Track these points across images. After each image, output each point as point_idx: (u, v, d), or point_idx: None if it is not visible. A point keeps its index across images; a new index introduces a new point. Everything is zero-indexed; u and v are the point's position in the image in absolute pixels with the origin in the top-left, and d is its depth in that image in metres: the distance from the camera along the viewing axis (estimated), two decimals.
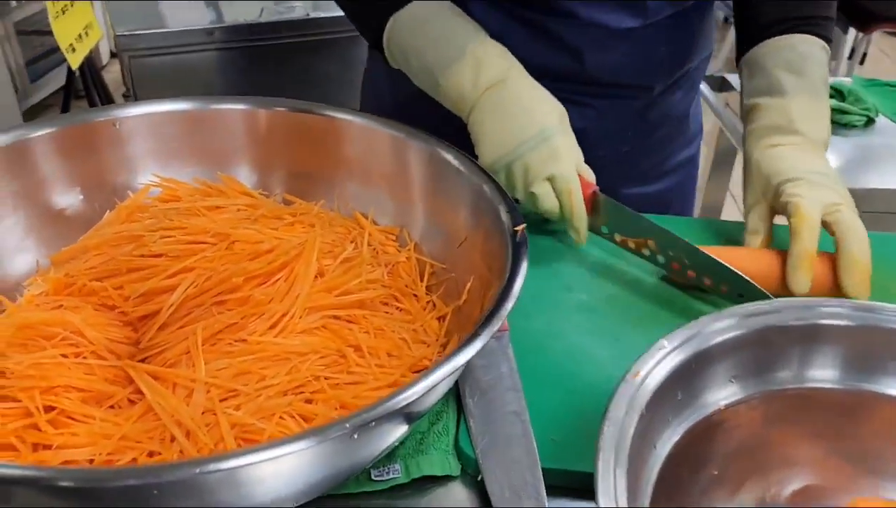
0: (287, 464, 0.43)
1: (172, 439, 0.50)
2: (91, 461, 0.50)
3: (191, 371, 0.54)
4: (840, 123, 1.60)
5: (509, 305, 0.51)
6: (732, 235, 0.82)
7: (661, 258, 0.74)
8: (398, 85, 0.92)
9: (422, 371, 0.59)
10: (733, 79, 1.79)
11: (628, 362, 0.64)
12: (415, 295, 0.67)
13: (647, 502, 0.45)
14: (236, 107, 0.76)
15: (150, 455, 0.50)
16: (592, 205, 0.75)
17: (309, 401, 0.54)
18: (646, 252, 0.75)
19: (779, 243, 0.75)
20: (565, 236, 0.78)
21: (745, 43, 0.83)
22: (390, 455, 0.55)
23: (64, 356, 0.55)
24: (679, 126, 0.99)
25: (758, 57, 0.80)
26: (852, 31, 2.75)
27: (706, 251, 0.70)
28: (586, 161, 0.75)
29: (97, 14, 2.31)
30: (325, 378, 0.56)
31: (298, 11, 1.89)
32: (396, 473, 0.55)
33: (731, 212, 2.62)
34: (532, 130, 0.72)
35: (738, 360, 0.51)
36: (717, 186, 1.90)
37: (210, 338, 0.57)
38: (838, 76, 2.52)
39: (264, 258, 0.61)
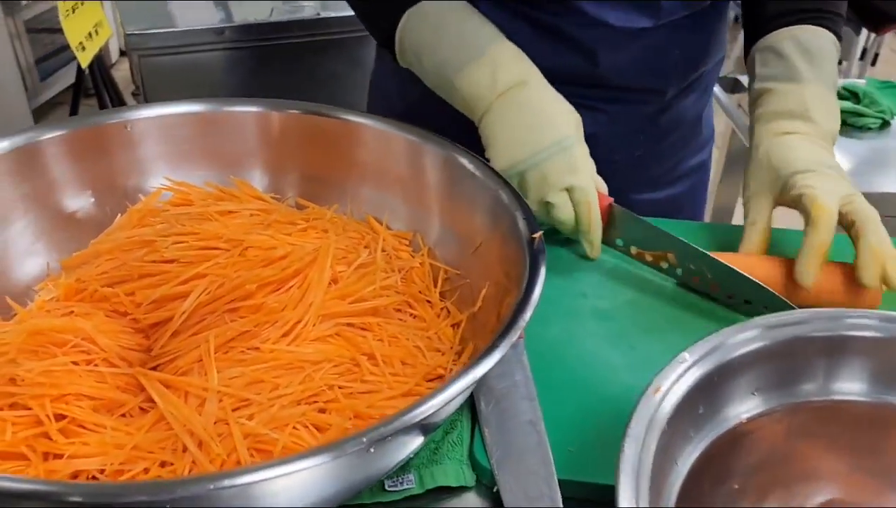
0: (301, 478, 0.42)
1: (184, 449, 0.49)
2: (102, 471, 0.49)
3: (203, 380, 0.53)
4: (855, 126, 1.59)
5: (527, 315, 0.51)
6: None
7: (680, 271, 0.72)
8: (406, 87, 0.91)
9: (436, 380, 0.59)
10: (746, 80, 1.78)
11: (644, 370, 0.63)
12: (428, 301, 0.67)
13: None
14: (249, 109, 0.75)
15: (162, 465, 0.49)
16: (608, 218, 0.74)
17: (323, 411, 0.53)
18: (664, 265, 0.73)
19: (785, 249, 0.73)
20: (577, 247, 0.77)
21: (755, 33, 0.81)
22: (404, 465, 0.55)
23: (75, 363, 0.54)
24: (691, 131, 0.97)
25: (773, 43, 0.78)
26: (864, 32, 2.73)
27: (724, 260, 0.69)
28: (596, 167, 0.74)
29: (107, 12, 2.31)
30: (339, 387, 0.55)
31: (308, 11, 1.88)
32: (410, 483, 0.54)
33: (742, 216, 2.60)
34: (551, 137, 0.70)
35: (761, 372, 0.50)
36: (729, 190, 1.88)
37: (223, 346, 0.56)
38: (850, 77, 2.51)
39: (278, 265, 0.60)
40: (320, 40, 1.88)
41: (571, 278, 0.74)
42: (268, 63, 1.87)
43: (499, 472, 0.54)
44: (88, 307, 0.60)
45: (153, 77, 1.79)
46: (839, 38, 0.79)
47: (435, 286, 0.68)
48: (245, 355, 0.56)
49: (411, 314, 0.65)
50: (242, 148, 0.76)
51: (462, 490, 0.55)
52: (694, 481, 0.47)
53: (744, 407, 0.50)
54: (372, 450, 0.42)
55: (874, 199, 0.73)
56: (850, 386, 0.51)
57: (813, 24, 0.77)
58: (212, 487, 0.37)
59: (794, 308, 0.65)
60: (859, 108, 1.60)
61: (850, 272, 0.67)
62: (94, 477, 0.49)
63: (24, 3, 2.83)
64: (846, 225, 0.68)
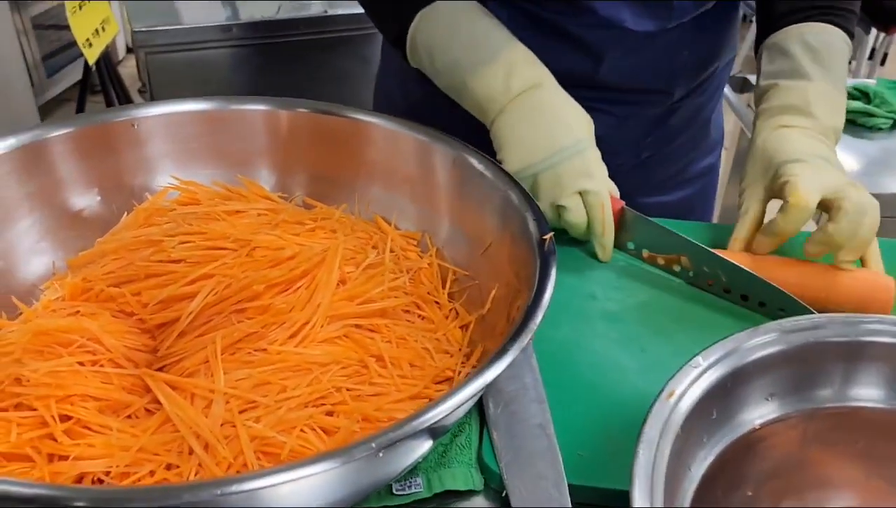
0: (309, 483, 0.41)
1: (191, 451, 0.49)
2: (107, 473, 0.48)
3: (210, 381, 0.53)
4: (865, 126, 1.57)
5: (538, 318, 0.50)
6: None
7: (693, 274, 0.72)
8: (409, 87, 0.91)
9: (444, 382, 0.58)
10: (755, 79, 1.77)
11: (655, 373, 0.62)
12: (437, 303, 0.66)
13: None
14: (257, 108, 0.74)
15: (168, 467, 0.49)
16: (619, 221, 0.73)
17: (330, 413, 0.53)
18: (676, 268, 0.73)
19: (798, 251, 0.72)
20: (587, 248, 0.76)
21: (766, 30, 0.81)
22: (412, 469, 0.54)
23: (81, 363, 0.54)
24: (700, 133, 0.96)
25: (780, 40, 0.78)
26: (874, 32, 2.71)
27: (738, 262, 0.68)
28: None
29: (114, 9, 2.31)
30: (347, 390, 0.54)
31: (315, 8, 1.87)
32: (418, 487, 0.54)
33: None
34: (565, 140, 0.70)
35: (776, 377, 0.49)
36: (737, 190, 1.87)
37: (229, 347, 0.55)
38: (859, 77, 2.49)
39: (286, 265, 0.60)
40: (327, 38, 1.88)
41: (581, 279, 0.74)
42: (275, 60, 1.86)
43: (507, 476, 0.53)
44: (94, 307, 0.59)
45: (160, 74, 1.79)
46: (851, 34, 0.79)
47: (443, 287, 0.67)
48: (252, 356, 0.55)
49: (419, 316, 0.64)
50: (250, 147, 0.75)
51: (470, 493, 0.55)
52: (707, 487, 0.46)
53: (758, 413, 0.49)
54: (381, 455, 0.41)
55: (885, 200, 0.73)
56: (868, 392, 0.50)
57: (823, 22, 0.77)
58: (219, 493, 0.37)
59: (810, 312, 0.64)
60: (870, 108, 1.58)
61: (867, 277, 0.67)
62: (99, 480, 0.49)
63: None
64: (830, 210, 0.68)
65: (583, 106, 0.74)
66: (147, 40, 1.73)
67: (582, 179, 0.70)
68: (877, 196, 0.70)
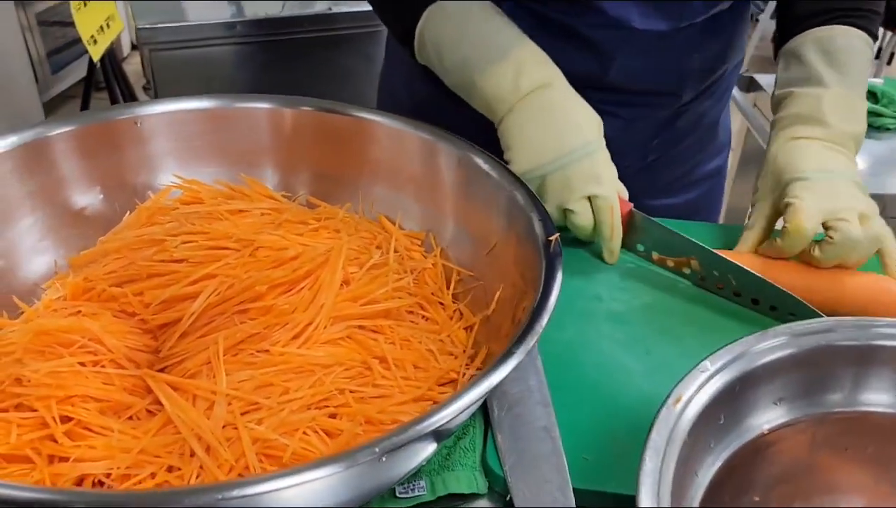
0: (311, 488, 0.41)
1: (192, 453, 0.49)
2: (108, 475, 0.48)
3: (212, 383, 0.52)
4: (873, 126, 1.56)
5: (544, 321, 0.49)
6: None
7: (702, 278, 0.72)
8: (414, 85, 0.90)
9: (448, 384, 0.58)
10: (761, 78, 1.76)
11: (661, 375, 0.62)
12: (441, 303, 0.65)
13: None
14: (260, 106, 0.74)
15: (170, 469, 0.48)
16: (628, 223, 0.73)
17: (333, 416, 0.52)
18: (686, 271, 0.72)
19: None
20: (593, 248, 0.76)
21: (785, 35, 0.80)
22: (416, 472, 0.54)
23: (82, 364, 0.53)
24: (708, 135, 0.96)
25: (795, 47, 0.77)
26: (881, 31, 2.70)
27: (747, 265, 0.68)
28: None
29: (119, 6, 2.31)
30: (350, 392, 0.54)
31: (320, 6, 1.87)
32: (422, 490, 0.53)
33: None
34: (574, 142, 0.69)
35: (784, 382, 0.48)
36: (742, 190, 1.86)
37: (232, 348, 0.55)
38: None
39: (289, 266, 0.59)
40: (331, 35, 1.87)
41: (586, 280, 0.73)
42: (279, 58, 1.86)
43: (512, 479, 0.53)
44: (96, 307, 0.59)
45: (164, 71, 1.79)
46: (874, 35, 0.77)
47: (448, 288, 0.67)
48: (255, 357, 0.55)
49: (423, 317, 0.64)
50: (253, 145, 0.75)
51: (474, 497, 0.54)
52: (715, 492, 0.46)
53: (766, 417, 0.49)
54: (384, 459, 0.41)
55: (888, 200, 0.72)
56: (878, 397, 0.49)
57: (843, 24, 0.76)
58: (220, 497, 0.36)
59: (821, 316, 0.63)
60: (877, 107, 1.57)
61: (874, 281, 0.67)
62: (99, 482, 0.48)
63: None
64: (826, 231, 0.68)
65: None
66: (151, 37, 1.73)
67: (591, 184, 0.69)
68: (881, 197, 0.70)
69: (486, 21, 0.73)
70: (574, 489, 0.52)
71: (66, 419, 0.50)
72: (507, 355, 0.46)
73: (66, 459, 0.49)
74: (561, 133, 0.70)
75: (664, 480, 0.40)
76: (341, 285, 0.60)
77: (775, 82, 0.80)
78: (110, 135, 0.70)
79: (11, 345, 0.54)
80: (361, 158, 0.74)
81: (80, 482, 0.48)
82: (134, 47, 3.57)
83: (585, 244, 0.76)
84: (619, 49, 0.80)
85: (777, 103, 0.78)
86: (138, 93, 2.77)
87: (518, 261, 0.61)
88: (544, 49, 0.74)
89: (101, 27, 2.16)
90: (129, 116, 0.71)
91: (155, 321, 0.57)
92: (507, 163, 0.71)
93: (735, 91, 1.72)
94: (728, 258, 0.69)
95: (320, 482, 0.40)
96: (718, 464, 0.47)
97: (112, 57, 2.43)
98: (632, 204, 0.73)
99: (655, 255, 0.74)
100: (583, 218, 0.70)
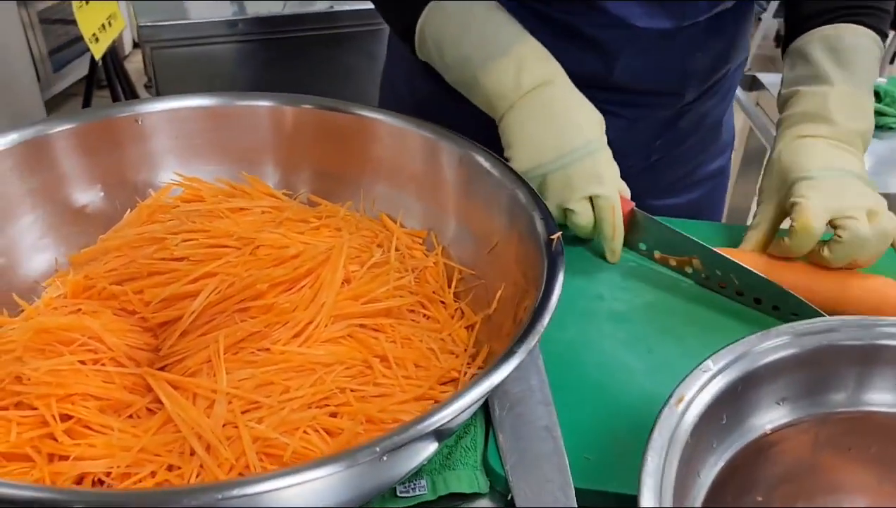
0: (312, 487, 0.41)
1: (192, 452, 0.48)
2: (108, 473, 0.48)
3: (212, 381, 0.52)
4: (876, 126, 1.55)
5: (546, 320, 0.49)
6: None
7: (705, 277, 0.71)
8: (416, 83, 0.90)
9: (450, 383, 0.57)
10: (764, 77, 1.75)
11: (663, 374, 0.62)
12: (442, 302, 0.65)
13: None
14: (262, 104, 0.73)
15: (170, 468, 0.48)
16: (630, 222, 0.72)
17: (334, 415, 0.52)
18: (688, 270, 0.72)
19: None
20: (594, 247, 0.75)
21: (791, 34, 0.79)
22: (416, 471, 0.53)
23: (82, 362, 0.53)
24: (711, 135, 0.95)
25: (801, 46, 0.76)
26: None
27: (750, 265, 0.68)
28: None
29: (121, 4, 2.31)
30: (351, 391, 0.54)
31: (321, 4, 1.87)
32: (423, 489, 0.53)
33: None
34: (576, 141, 0.69)
35: (787, 381, 0.48)
36: (745, 189, 1.85)
37: (232, 346, 0.55)
38: None
39: (290, 264, 0.59)
40: (333, 34, 1.87)
41: (588, 279, 0.73)
42: (280, 56, 1.86)
43: (513, 479, 0.53)
44: (96, 305, 0.59)
45: (166, 69, 1.79)
46: (884, 33, 0.76)
47: (449, 287, 0.66)
48: (255, 356, 0.54)
49: (425, 315, 0.63)
50: (254, 143, 0.74)
51: (475, 496, 0.54)
52: (717, 493, 0.45)
53: (769, 417, 0.48)
54: (385, 459, 0.41)
55: (893, 200, 0.72)
56: (881, 397, 0.49)
57: (851, 22, 0.75)
58: (220, 497, 0.36)
59: (824, 317, 0.63)
60: (880, 106, 1.57)
61: (879, 283, 0.67)
62: (100, 480, 0.48)
63: None
64: (835, 231, 0.67)
65: None
66: (153, 35, 1.73)
67: (592, 183, 0.69)
68: (886, 196, 0.69)
69: (487, 17, 0.73)
70: (575, 488, 0.51)
71: (65, 418, 0.50)
72: (509, 354, 0.46)
73: (65, 457, 0.48)
74: (562, 131, 0.69)
75: (666, 480, 0.40)
76: (342, 283, 0.60)
77: (781, 82, 0.79)
78: (111, 132, 0.70)
79: (11, 343, 0.54)
80: (363, 156, 0.73)
81: (79, 480, 0.48)
82: (136, 45, 3.57)
83: (587, 243, 0.76)
84: (622, 48, 0.80)
85: (783, 103, 0.78)
86: (140, 91, 2.77)
87: (520, 260, 0.60)
88: (547, 49, 0.73)
89: (103, 25, 2.16)
90: (130, 114, 0.70)
91: (155, 320, 0.57)
92: (507, 161, 0.70)
93: (738, 90, 1.72)
94: (730, 258, 0.69)
95: (321, 481, 0.39)
96: (721, 464, 0.46)
97: (114, 55, 2.43)
98: (634, 203, 0.72)
99: (657, 254, 0.74)
100: (583, 218, 0.70)
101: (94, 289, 0.61)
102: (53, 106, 3.00)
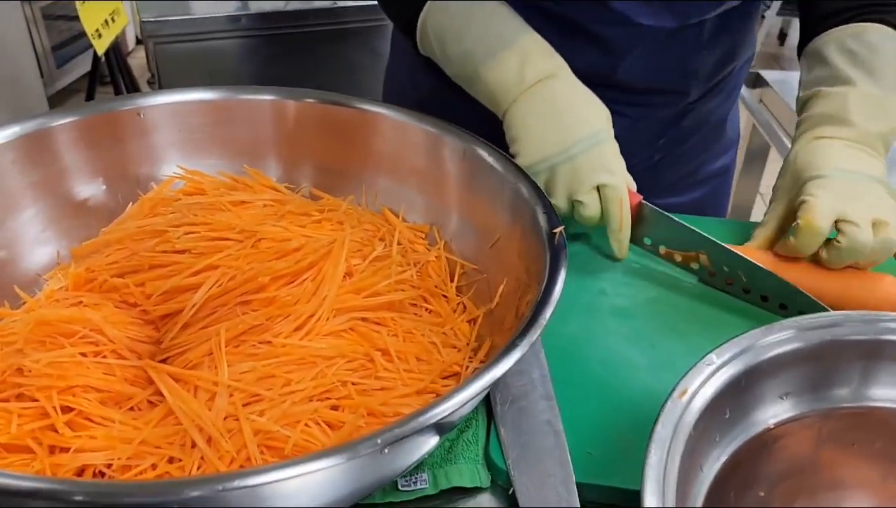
0: (313, 479, 0.41)
1: (193, 445, 0.48)
2: (109, 465, 0.48)
3: (213, 374, 0.52)
4: None
5: (548, 313, 0.49)
6: None
7: (710, 274, 0.70)
8: (419, 78, 0.90)
9: (451, 377, 0.57)
10: (768, 74, 1.75)
11: (665, 370, 0.62)
12: (444, 296, 0.65)
13: None
14: (264, 97, 0.73)
15: (170, 460, 0.48)
16: (637, 216, 0.71)
17: (335, 408, 0.52)
18: (694, 266, 0.71)
19: None
20: (604, 244, 0.74)
21: (808, 35, 0.77)
22: (418, 465, 0.53)
23: (83, 354, 0.53)
24: (715, 134, 0.94)
25: (819, 47, 0.75)
26: None
27: (759, 261, 0.67)
28: None
29: (124, 1, 2.30)
30: (353, 384, 0.54)
31: (324, 0, 1.87)
32: (424, 483, 0.53)
33: (761, 214, 2.55)
34: (583, 132, 0.68)
35: (791, 376, 0.48)
36: (748, 187, 1.85)
37: (234, 339, 0.55)
38: None
39: (291, 257, 0.59)
40: (336, 29, 1.87)
41: (590, 274, 0.73)
42: (283, 52, 1.86)
43: (515, 473, 0.52)
44: (97, 298, 0.59)
45: (169, 65, 1.79)
46: None
47: (451, 281, 0.66)
48: (256, 349, 0.54)
49: (427, 309, 0.63)
50: (256, 137, 0.74)
51: (477, 490, 0.54)
52: (720, 487, 0.45)
53: (772, 412, 0.48)
54: (386, 451, 0.40)
55: None
56: (885, 392, 0.49)
57: (869, 21, 0.73)
58: (221, 488, 0.36)
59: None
60: None
61: (887, 281, 0.66)
62: (100, 472, 0.48)
63: None
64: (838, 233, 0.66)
65: None
66: (156, 30, 1.73)
67: (601, 173, 0.67)
68: None
69: (489, 12, 0.72)
70: (577, 483, 0.51)
71: (67, 410, 0.50)
72: (511, 348, 0.46)
73: (66, 449, 0.48)
74: (568, 124, 0.69)
75: (669, 473, 0.39)
76: (344, 277, 0.60)
77: (799, 85, 0.77)
78: (113, 126, 0.70)
79: (13, 335, 0.54)
80: (365, 150, 0.73)
81: (80, 472, 0.48)
82: (139, 42, 3.57)
83: (590, 239, 0.76)
84: (626, 46, 0.79)
85: (801, 106, 0.76)
86: (143, 87, 2.77)
87: (522, 254, 0.60)
88: (554, 46, 0.73)
89: (106, 21, 2.16)
90: (132, 108, 0.70)
91: (157, 312, 0.57)
92: (513, 156, 0.70)
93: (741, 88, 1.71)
94: (738, 253, 0.68)
95: (322, 473, 0.39)
96: (724, 458, 0.46)
97: (117, 51, 2.43)
98: (641, 196, 0.71)
99: (663, 249, 0.73)
100: (591, 209, 0.68)
101: (95, 282, 0.60)
102: (56, 102, 3.00)
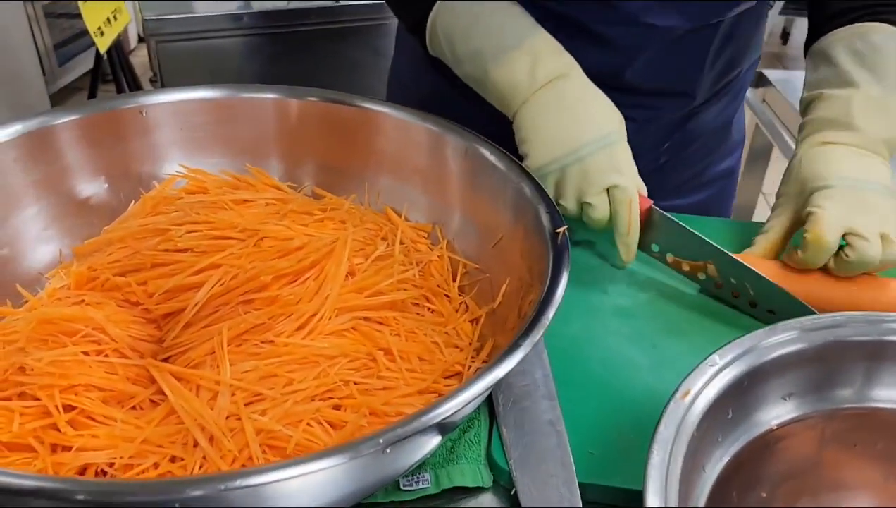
0: (315, 479, 0.41)
1: (195, 444, 0.48)
2: (111, 464, 0.48)
3: (215, 373, 0.52)
4: None
5: (551, 314, 0.49)
6: None
7: (717, 284, 0.69)
8: (423, 78, 0.89)
9: (454, 377, 0.57)
10: (771, 74, 1.74)
11: (667, 370, 0.62)
12: (447, 296, 0.65)
13: None
14: (266, 96, 0.73)
15: (172, 460, 0.48)
16: (646, 221, 0.70)
17: (337, 407, 0.52)
18: (701, 276, 0.70)
19: None
20: (610, 252, 0.73)
21: (814, 34, 0.76)
22: (420, 464, 0.53)
23: (85, 353, 0.53)
24: (720, 136, 0.93)
25: (824, 47, 0.74)
26: None
27: (765, 273, 0.66)
28: None
29: None
30: (355, 383, 0.53)
31: None
32: (426, 483, 0.53)
33: (763, 214, 2.54)
34: (594, 133, 0.67)
35: (794, 377, 0.48)
36: (750, 187, 1.84)
37: (236, 338, 0.55)
38: None
39: (294, 256, 0.59)
40: (338, 27, 1.87)
41: (593, 276, 0.73)
42: (286, 50, 1.86)
43: (517, 473, 0.52)
44: (100, 296, 0.59)
45: (171, 63, 1.79)
46: None
47: (454, 280, 0.66)
48: (259, 348, 0.54)
49: (429, 309, 0.63)
50: (259, 135, 0.74)
51: (479, 490, 0.54)
52: (722, 487, 0.45)
53: (775, 412, 0.48)
54: (388, 451, 0.40)
55: None
56: (889, 393, 0.49)
57: (877, 21, 0.72)
58: (223, 487, 0.36)
59: None
60: None
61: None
62: (102, 471, 0.48)
63: None
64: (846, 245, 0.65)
65: None
66: (158, 29, 1.73)
67: (611, 175, 0.66)
68: None
69: (499, 11, 0.72)
70: (579, 483, 0.51)
71: (69, 409, 0.50)
72: (513, 348, 0.46)
73: (68, 448, 0.48)
74: (579, 125, 0.68)
75: (672, 474, 0.39)
76: (346, 276, 0.60)
77: (804, 84, 0.76)
78: (115, 124, 0.70)
79: (15, 334, 0.54)
80: (367, 149, 0.73)
81: (82, 471, 0.48)
82: (141, 40, 3.56)
83: (592, 239, 0.75)
84: (635, 48, 0.78)
85: (805, 106, 0.75)
86: (145, 85, 2.77)
87: (525, 254, 0.60)
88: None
89: (108, 19, 2.16)
90: (134, 106, 0.70)
91: (159, 311, 0.57)
92: (523, 157, 0.69)
93: None
94: (750, 267, 0.66)
95: (324, 473, 0.39)
96: (726, 459, 0.46)
97: (119, 49, 2.43)
98: (651, 201, 0.70)
99: (670, 257, 0.71)
100: (600, 211, 0.67)
101: (97, 280, 0.60)
102: (58, 100, 3.00)
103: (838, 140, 0.69)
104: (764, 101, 1.72)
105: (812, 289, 0.66)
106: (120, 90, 2.47)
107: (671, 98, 0.84)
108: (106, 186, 0.70)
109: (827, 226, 0.64)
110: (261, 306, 0.57)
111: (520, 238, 0.62)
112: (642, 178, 0.71)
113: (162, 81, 1.82)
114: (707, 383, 0.45)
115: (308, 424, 0.50)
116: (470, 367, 0.58)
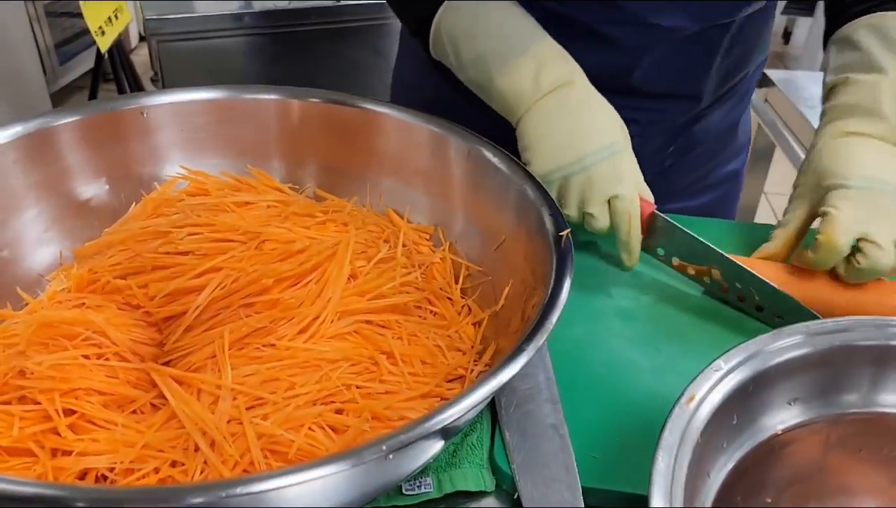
0: (317, 485, 0.40)
1: (196, 448, 0.48)
2: (111, 469, 0.48)
3: (217, 377, 0.52)
4: None
5: (555, 317, 0.49)
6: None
7: (723, 288, 0.69)
8: (426, 81, 0.89)
9: (456, 380, 0.57)
10: (773, 74, 1.74)
11: (671, 373, 0.62)
12: (449, 299, 0.65)
13: None
14: (268, 97, 0.73)
15: (173, 464, 0.48)
16: (649, 226, 0.69)
17: (339, 411, 0.52)
18: (706, 280, 0.69)
19: None
20: (614, 254, 0.73)
21: (833, 24, 0.74)
22: (422, 469, 0.53)
23: (86, 356, 0.53)
24: (726, 138, 0.93)
25: (850, 32, 0.71)
26: None
27: (769, 275, 0.65)
28: None
29: None
30: (357, 387, 0.53)
31: None
32: (428, 487, 0.53)
33: (766, 215, 2.54)
34: (599, 142, 0.67)
35: (799, 381, 0.48)
36: (753, 188, 1.84)
37: (237, 342, 0.54)
38: None
39: (295, 259, 0.59)
40: (339, 28, 1.86)
41: (596, 278, 0.72)
42: (287, 50, 1.85)
43: (520, 477, 0.52)
44: (100, 299, 0.58)
45: (172, 63, 1.78)
46: None
47: (456, 283, 0.66)
48: (260, 352, 0.54)
49: (431, 312, 0.63)
50: (260, 136, 0.74)
51: (481, 494, 0.54)
52: (727, 493, 0.45)
53: (780, 418, 0.48)
54: (391, 457, 0.40)
55: None
56: (895, 398, 0.48)
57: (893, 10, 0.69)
58: (224, 494, 0.36)
59: None
60: None
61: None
62: (103, 476, 0.48)
63: None
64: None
65: None
66: (159, 28, 1.73)
67: (614, 185, 0.66)
68: None
69: (504, 16, 0.71)
70: (582, 487, 0.51)
71: (69, 413, 0.50)
72: (517, 352, 0.46)
73: (69, 453, 0.48)
74: (583, 134, 0.67)
75: (677, 480, 0.39)
76: (348, 279, 0.60)
77: (825, 71, 0.73)
78: (116, 125, 0.70)
79: (15, 337, 0.54)
80: (369, 150, 0.73)
81: (82, 476, 0.48)
82: (142, 39, 3.56)
83: (598, 247, 0.75)
84: (640, 50, 0.77)
85: (828, 92, 0.72)
86: (146, 84, 2.77)
87: (528, 257, 0.60)
88: (567, 50, 0.71)
89: (109, 18, 2.16)
90: (135, 107, 0.70)
91: (160, 314, 0.57)
92: (526, 164, 0.68)
93: None
94: (755, 273, 0.65)
95: (326, 479, 0.39)
96: (731, 465, 0.46)
97: (120, 48, 2.43)
98: (655, 206, 0.69)
99: (675, 261, 0.71)
100: (601, 222, 0.67)
101: (98, 283, 0.60)
102: (59, 99, 3.00)
103: (862, 130, 0.67)
104: (766, 101, 1.71)
105: (818, 292, 0.66)
106: (121, 89, 2.46)
107: (677, 101, 0.83)
108: (107, 187, 0.70)
109: (841, 229, 0.62)
110: (262, 309, 0.56)
111: (523, 241, 0.61)
112: (648, 180, 0.71)
113: (163, 81, 1.82)
114: (712, 388, 0.44)
115: (310, 428, 0.50)
116: (473, 370, 0.57)
